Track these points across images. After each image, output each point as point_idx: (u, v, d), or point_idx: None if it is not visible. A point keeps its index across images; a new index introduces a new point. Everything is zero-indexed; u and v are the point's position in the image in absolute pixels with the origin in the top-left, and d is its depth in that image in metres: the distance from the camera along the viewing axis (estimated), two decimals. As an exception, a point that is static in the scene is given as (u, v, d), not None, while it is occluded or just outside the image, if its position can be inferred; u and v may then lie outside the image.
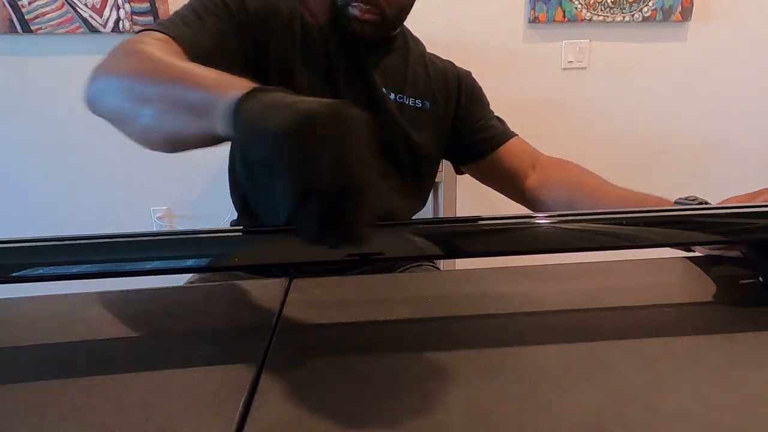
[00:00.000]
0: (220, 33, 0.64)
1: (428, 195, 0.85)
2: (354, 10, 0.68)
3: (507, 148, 0.80)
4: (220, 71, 0.45)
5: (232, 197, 0.82)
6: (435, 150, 0.80)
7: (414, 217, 0.84)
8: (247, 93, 0.36)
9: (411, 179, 0.79)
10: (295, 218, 0.33)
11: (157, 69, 0.48)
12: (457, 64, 0.84)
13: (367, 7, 0.67)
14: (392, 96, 0.74)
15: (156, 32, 0.59)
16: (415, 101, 0.76)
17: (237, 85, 0.38)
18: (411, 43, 0.80)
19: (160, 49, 0.53)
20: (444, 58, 0.84)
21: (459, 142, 0.82)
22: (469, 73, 0.84)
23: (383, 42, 0.75)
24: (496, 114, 0.85)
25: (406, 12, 0.74)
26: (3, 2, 1.51)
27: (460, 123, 0.81)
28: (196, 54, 0.59)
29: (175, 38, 0.59)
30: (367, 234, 0.34)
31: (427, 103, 0.77)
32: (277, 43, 0.69)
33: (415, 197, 0.82)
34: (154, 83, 0.46)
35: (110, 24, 1.55)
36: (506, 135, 0.81)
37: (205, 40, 0.62)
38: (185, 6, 0.65)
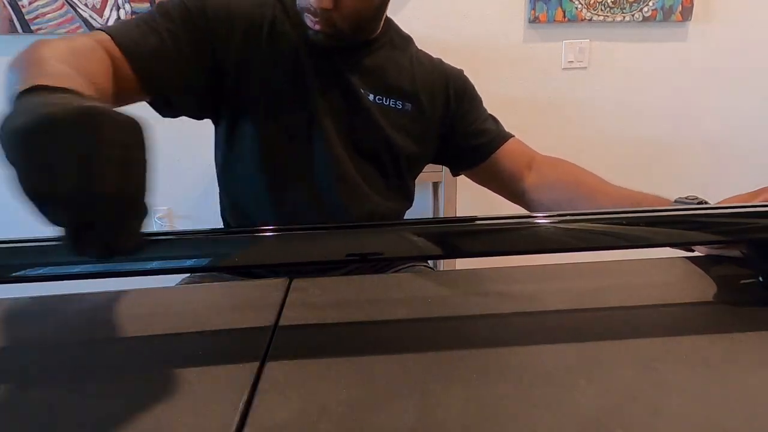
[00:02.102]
0: (170, 35, 0.64)
1: (413, 193, 0.84)
2: (306, 20, 0.67)
3: (503, 152, 0.79)
4: (62, 67, 0.44)
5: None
6: (419, 152, 0.78)
7: (413, 217, 0.84)
8: (25, 90, 0.34)
9: (395, 180, 0.78)
10: (54, 226, 0.31)
11: (23, 58, 0.46)
12: (458, 63, 0.82)
13: (316, 19, 0.65)
14: (371, 98, 0.73)
15: (101, 32, 0.61)
16: (396, 103, 0.75)
17: (33, 82, 0.36)
18: (397, 42, 0.78)
19: (70, 44, 0.53)
20: (439, 57, 0.82)
21: (453, 148, 0.81)
22: (460, 72, 0.82)
23: (362, 44, 0.73)
24: (492, 113, 0.83)
25: (369, 22, 0.71)
26: (3, 2, 1.51)
27: (452, 126, 0.80)
28: (136, 53, 0.61)
29: (113, 37, 0.61)
30: (132, 246, 0.32)
31: (409, 105, 0.75)
32: (239, 48, 0.69)
33: (401, 197, 0.81)
34: (12, 71, 0.44)
35: (111, 24, 1.55)
36: (501, 138, 0.80)
37: (150, 41, 0.63)
38: (147, 11, 0.67)
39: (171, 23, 0.65)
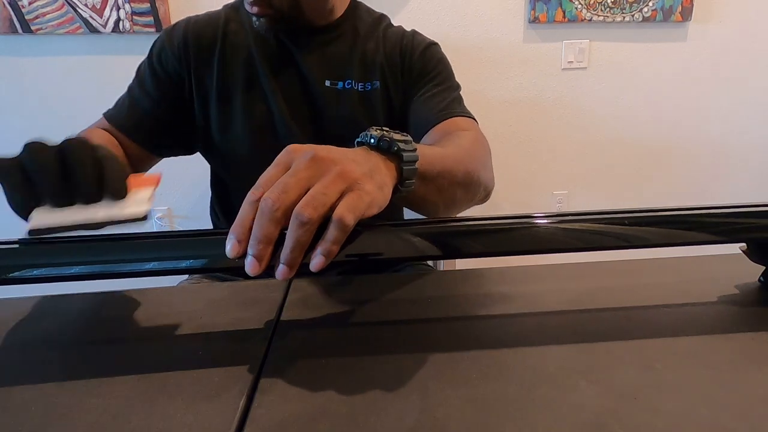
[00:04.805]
0: (148, 99, 0.73)
1: None
2: (247, 7, 0.67)
3: (436, 131, 0.67)
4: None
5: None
6: (398, 128, 0.75)
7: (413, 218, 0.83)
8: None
9: None
10: None
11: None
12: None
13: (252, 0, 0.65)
14: (340, 85, 0.72)
15: (103, 118, 0.75)
16: (365, 85, 0.73)
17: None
18: (365, 21, 0.75)
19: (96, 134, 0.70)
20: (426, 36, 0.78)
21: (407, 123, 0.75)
22: (427, 46, 0.76)
23: (318, 30, 0.72)
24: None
25: (313, 2, 0.68)
26: (3, 2, 1.51)
27: (405, 94, 0.74)
28: (125, 125, 0.73)
29: (108, 119, 0.74)
30: None
31: (377, 83, 0.73)
32: (199, 78, 0.72)
33: None
34: None
35: (110, 24, 1.55)
36: (442, 114, 0.69)
37: (136, 114, 0.73)
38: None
39: (144, 88, 0.73)
